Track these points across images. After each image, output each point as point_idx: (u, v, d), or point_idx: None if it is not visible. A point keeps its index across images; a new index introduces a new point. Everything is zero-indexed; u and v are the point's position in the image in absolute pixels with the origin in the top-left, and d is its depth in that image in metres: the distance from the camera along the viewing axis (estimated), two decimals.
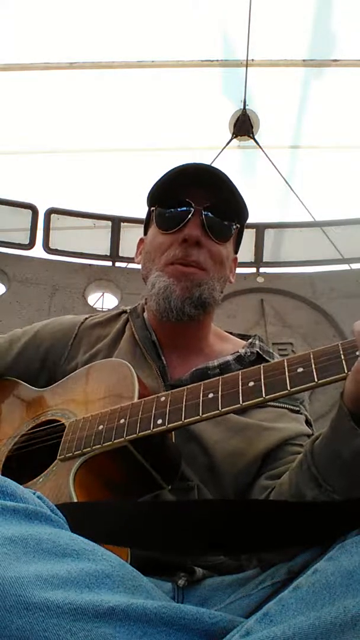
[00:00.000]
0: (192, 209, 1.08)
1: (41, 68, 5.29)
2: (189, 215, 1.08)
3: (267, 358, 1.12)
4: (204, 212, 1.09)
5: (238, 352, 1.11)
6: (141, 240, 1.23)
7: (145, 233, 1.20)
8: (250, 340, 1.16)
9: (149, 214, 1.18)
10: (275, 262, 5.30)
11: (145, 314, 1.19)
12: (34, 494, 0.64)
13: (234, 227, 1.15)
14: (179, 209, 1.10)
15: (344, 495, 0.75)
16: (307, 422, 1.07)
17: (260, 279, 5.07)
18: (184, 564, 0.85)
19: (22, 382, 1.15)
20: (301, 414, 1.07)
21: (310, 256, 5.30)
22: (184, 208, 1.09)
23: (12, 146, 5.62)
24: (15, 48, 5.17)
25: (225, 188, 1.11)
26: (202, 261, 1.08)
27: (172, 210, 1.11)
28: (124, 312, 1.24)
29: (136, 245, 1.27)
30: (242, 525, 0.68)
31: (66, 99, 5.49)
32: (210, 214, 1.09)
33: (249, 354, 1.11)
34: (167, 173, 1.12)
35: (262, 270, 5.18)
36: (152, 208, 1.15)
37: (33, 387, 1.12)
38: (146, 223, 1.20)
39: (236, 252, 1.23)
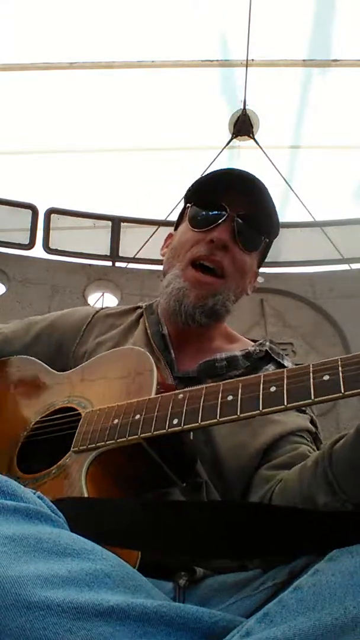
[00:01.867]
0: (226, 213, 1.09)
1: (41, 68, 5.29)
2: (222, 219, 1.09)
3: (277, 359, 1.12)
4: (236, 219, 1.09)
5: (247, 348, 1.12)
6: (169, 235, 1.24)
7: (176, 229, 1.21)
8: (260, 341, 1.17)
9: (184, 210, 1.19)
10: (275, 262, 5.30)
11: (159, 310, 1.19)
12: (35, 493, 0.64)
13: (264, 240, 1.16)
14: (213, 211, 1.11)
15: (358, 504, 0.72)
16: (312, 422, 1.07)
17: (260, 279, 5.06)
18: (184, 564, 0.85)
19: (40, 362, 1.15)
20: (307, 413, 1.07)
21: (310, 256, 5.31)
22: (218, 211, 1.10)
23: (12, 146, 5.62)
24: (15, 48, 5.17)
25: (262, 200, 1.12)
26: (225, 265, 1.09)
27: (207, 211, 1.12)
28: (139, 307, 1.25)
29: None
30: (248, 531, 0.67)
31: (66, 99, 5.49)
32: (242, 221, 1.10)
33: (257, 351, 1.11)
34: (210, 173, 1.14)
35: (262, 270, 5.17)
36: (188, 205, 1.16)
37: (53, 370, 1.12)
38: (179, 219, 1.21)
39: (259, 266, 1.24)
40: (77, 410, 0.95)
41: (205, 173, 1.16)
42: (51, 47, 5.20)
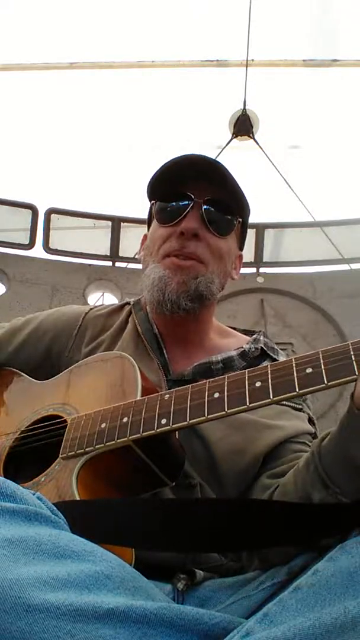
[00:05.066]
0: (191, 201, 1.06)
1: (41, 68, 5.29)
2: (188, 209, 1.06)
3: (272, 355, 1.10)
4: (203, 206, 1.06)
5: (242, 347, 1.10)
6: (144, 237, 1.21)
7: (149, 229, 1.18)
8: (254, 336, 1.14)
9: (150, 208, 1.15)
10: (275, 262, 5.30)
11: (147, 307, 1.16)
12: (34, 494, 0.63)
13: (236, 221, 1.12)
14: (178, 203, 1.07)
15: (352, 497, 0.73)
16: (310, 421, 1.05)
17: (260, 279, 5.07)
18: (183, 566, 0.85)
19: (22, 373, 1.13)
20: (304, 412, 1.05)
21: (310, 256, 5.31)
22: (184, 202, 1.06)
23: (12, 146, 5.62)
24: (15, 48, 5.17)
25: (226, 181, 1.08)
26: (200, 254, 1.05)
27: (172, 203, 1.08)
28: (127, 303, 1.22)
29: (139, 244, 1.25)
30: (244, 525, 0.68)
31: (66, 99, 5.49)
32: (210, 207, 1.06)
33: (253, 349, 1.09)
34: (165, 164, 1.09)
35: (262, 270, 5.18)
36: (152, 202, 1.13)
37: (33, 379, 1.10)
38: (149, 218, 1.18)
39: (241, 248, 1.21)
40: (62, 417, 0.94)
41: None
42: (51, 47, 5.20)
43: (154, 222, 1.12)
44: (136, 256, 1.22)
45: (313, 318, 4.83)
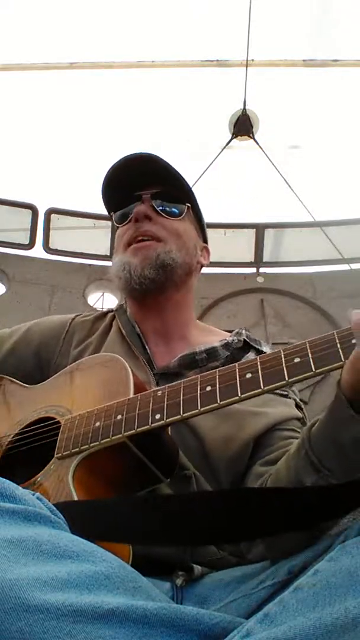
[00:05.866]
0: (139, 199, 1.15)
1: (41, 68, 5.29)
2: (139, 203, 1.15)
3: (255, 345, 1.14)
4: (151, 198, 1.15)
5: (225, 339, 1.13)
6: None
7: None
8: (236, 330, 1.19)
9: (112, 219, 1.24)
10: (275, 262, 5.30)
11: (128, 310, 1.22)
12: (33, 495, 0.63)
13: (184, 206, 1.19)
14: (129, 203, 1.17)
15: (342, 479, 0.76)
16: (298, 406, 1.09)
17: (260, 279, 5.07)
18: (182, 562, 0.85)
19: (13, 379, 1.14)
20: (290, 397, 1.09)
21: (310, 256, 5.31)
22: (134, 200, 1.16)
23: (12, 146, 5.62)
24: (15, 48, 5.17)
25: (168, 172, 1.16)
26: (155, 231, 1.13)
27: (125, 205, 1.18)
28: (111, 310, 1.28)
29: None
30: (241, 515, 0.69)
31: (66, 99, 5.49)
32: (156, 198, 1.15)
33: (236, 341, 1.13)
34: (106, 175, 1.18)
35: (262, 270, 5.18)
36: (111, 214, 1.22)
37: (24, 384, 1.11)
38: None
39: (204, 240, 1.27)
40: (55, 419, 0.95)
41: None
42: (51, 47, 5.20)
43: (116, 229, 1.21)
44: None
45: (313, 318, 4.83)
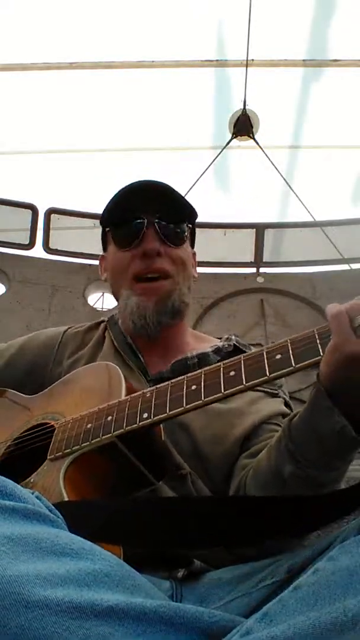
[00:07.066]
0: (144, 221, 1.15)
1: (41, 68, 5.29)
2: (144, 229, 1.15)
3: (245, 350, 1.15)
4: (156, 223, 1.15)
5: (216, 345, 1.17)
6: (102, 258, 1.29)
7: (105, 251, 1.27)
8: (226, 336, 1.22)
9: (105, 234, 1.25)
10: (275, 262, 5.30)
11: (120, 322, 1.24)
12: (33, 493, 0.64)
13: (187, 227, 1.22)
14: (133, 226, 1.16)
15: (320, 470, 0.80)
16: (287, 405, 1.12)
17: (260, 279, 5.08)
18: (182, 557, 0.85)
19: (10, 389, 1.17)
20: (279, 397, 1.12)
21: (310, 256, 5.32)
22: (138, 222, 1.16)
23: (12, 146, 5.63)
24: (15, 48, 5.18)
25: (170, 195, 1.19)
26: (166, 268, 1.15)
27: (127, 227, 1.17)
28: (103, 321, 1.30)
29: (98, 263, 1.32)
30: (237, 520, 0.70)
31: (66, 99, 5.49)
32: (162, 222, 1.16)
33: (226, 345, 1.16)
34: (115, 195, 1.19)
35: (262, 270, 5.18)
36: (107, 229, 1.23)
37: (23, 394, 1.14)
38: (103, 241, 1.27)
39: (192, 246, 1.30)
40: (50, 424, 0.97)
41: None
42: (51, 47, 5.21)
43: (112, 247, 1.22)
44: (102, 278, 1.30)
45: (313, 318, 4.83)
